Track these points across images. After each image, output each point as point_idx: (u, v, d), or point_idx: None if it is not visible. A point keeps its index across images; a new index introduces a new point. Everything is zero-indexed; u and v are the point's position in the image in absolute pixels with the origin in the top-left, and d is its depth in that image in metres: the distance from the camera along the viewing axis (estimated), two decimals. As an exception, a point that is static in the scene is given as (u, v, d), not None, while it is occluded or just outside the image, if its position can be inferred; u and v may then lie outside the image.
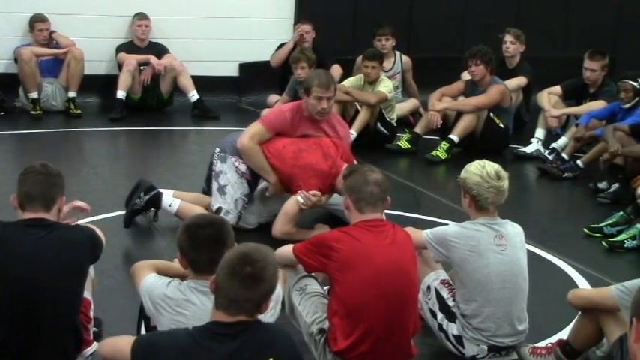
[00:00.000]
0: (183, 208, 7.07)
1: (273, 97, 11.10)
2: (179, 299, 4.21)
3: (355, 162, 7.13)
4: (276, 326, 3.84)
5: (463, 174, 5.15)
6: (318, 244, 4.87)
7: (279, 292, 4.42)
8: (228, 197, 7.14)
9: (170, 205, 7.15)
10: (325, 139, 7.16)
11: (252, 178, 7.22)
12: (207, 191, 7.30)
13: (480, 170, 5.09)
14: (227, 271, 3.52)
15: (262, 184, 7.38)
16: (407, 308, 4.83)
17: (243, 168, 7.14)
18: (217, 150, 7.27)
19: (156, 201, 7.16)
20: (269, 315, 4.24)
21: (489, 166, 5.12)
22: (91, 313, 4.76)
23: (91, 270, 4.78)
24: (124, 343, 3.69)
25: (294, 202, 6.99)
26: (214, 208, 7.12)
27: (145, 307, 4.39)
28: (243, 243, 3.74)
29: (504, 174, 5.14)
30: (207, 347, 3.51)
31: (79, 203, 5.21)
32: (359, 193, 4.87)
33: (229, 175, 7.15)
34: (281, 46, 11.64)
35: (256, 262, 3.52)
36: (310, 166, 6.99)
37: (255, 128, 7.16)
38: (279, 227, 7.05)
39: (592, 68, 9.87)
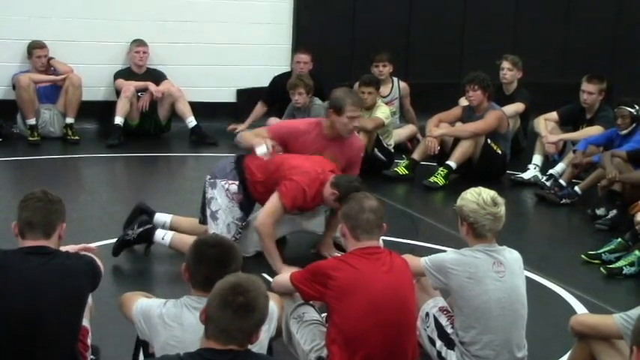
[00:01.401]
0: (177, 240, 7.03)
1: (273, 120, 11.09)
2: (175, 315, 4.24)
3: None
4: (266, 355, 3.84)
5: (459, 202, 5.15)
6: (315, 273, 4.89)
7: (274, 310, 4.42)
8: (220, 222, 7.05)
9: (163, 239, 7.08)
10: (320, 157, 7.10)
11: (246, 201, 7.13)
12: (203, 220, 7.24)
13: (476, 197, 5.08)
14: (219, 300, 3.53)
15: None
16: (405, 336, 4.83)
17: (233, 189, 7.05)
18: (208, 177, 7.21)
19: (148, 235, 7.10)
20: (262, 331, 4.25)
21: (485, 193, 5.11)
22: (89, 341, 4.75)
23: (89, 298, 4.77)
24: None
25: (276, 197, 6.83)
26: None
27: (139, 330, 4.40)
28: (233, 274, 3.75)
29: (501, 200, 5.13)
30: None
31: (87, 246, 5.18)
32: (355, 221, 4.89)
33: (220, 199, 7.08)
34: (278, 76, 11.63)
35: (248, 292, 3.54)
36: (295, 167, 6.87)
37: (274, 205, 6.88)
38: (260, 219, 6.86)
39: (589, 91, 9.89)
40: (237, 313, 3.51)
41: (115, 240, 7.13)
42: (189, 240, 6.91)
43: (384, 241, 6.99)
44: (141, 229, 7.09)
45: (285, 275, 5.08)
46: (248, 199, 7.15)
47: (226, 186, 7.08)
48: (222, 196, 7.08)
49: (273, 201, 6.85)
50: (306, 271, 4.96)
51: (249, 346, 3.64)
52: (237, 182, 7.06)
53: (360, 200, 4.97)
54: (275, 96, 11.42)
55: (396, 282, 4.83)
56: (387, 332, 4.74)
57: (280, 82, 11.37)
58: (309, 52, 11.42)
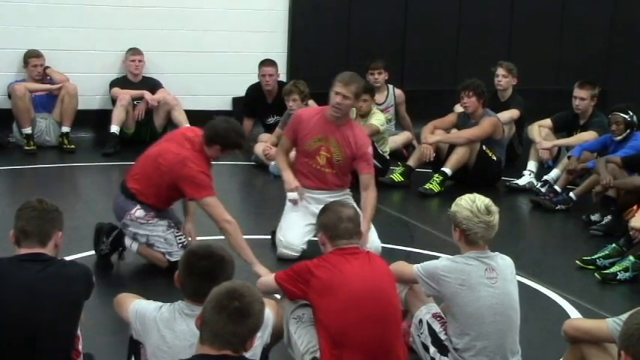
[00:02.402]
0: (144, 248, 7.04)
1: (263, 136, 11.13)
2: (169, 318, 4.27)
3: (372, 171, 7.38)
4: None
5: (453, 207, 5.17)
6: (298, 272, 5.01)
7: (269, 317, 4.45)
8: (159, 244, 6.98)
9: (131, 245, 7.10)
10: (179, 134, 7.11)
11: (158, 210, 7.01)
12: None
13: (470, 204, 5.10)
14: (214, 305, 3.56)
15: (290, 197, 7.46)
16: (390, 330, 4.93)
17: (139, 214, 6.94)
18: (120, 225, 7.07)
19: (120, 240, 7.10)
20: (257, 337, 4.28)
21: (480, 201, 5.12)
22: (80, 347, 4.75)
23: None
24: None
25: (201, 200, 6.76)
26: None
27: (134, 330, 4.43)
28: (230, 280, 3.78)
29: (495, 208, 5.14)
30: None
31: None
32: (334, 230, 5.04)
33: (140, 231, 6.97)
34: (250, 87, 11.65)
35: (244, 297, 3.57)
36: (174, 163, 6.76)
37: (208, 205, 6.79)
38: (219, 220, 6.76)
39: (581, 97, 9.95)
40: (232, 318, 3.54)
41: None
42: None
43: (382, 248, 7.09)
44: (111, 238, 7.10)
45: (269, 276, 5.18)
46: (158, 209, 7.05)
47: (133, 217, 6.96)
48: (137, 227, 6.98)
49: (205, 204, 6.75)
50: (290, 270, 5.08)
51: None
52: (137, 206, 6.96)
53: (338, 210, 5.10)
54: (252, 107, 11.51)
55: (376, 278, 4.96)
56: (371, 326, 4.84)
57: (253, 93, 11.54)
58: (275, 65, 11.48)
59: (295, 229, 7.41)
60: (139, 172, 7.02)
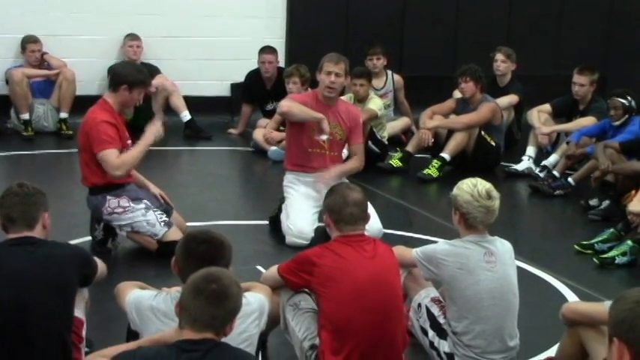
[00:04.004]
0: (131, 233, 7.04)
1: (262, 121, 11.13)
2: (165, 310, 4.25)
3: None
4: (242, 350, 3.84)
5: (455, 190, 5.15)
6: (300, 262, 4.97)
7: (265, 303, 4.45)
8: (142, 229, 6.99)
9: (120, 231, 7.10)
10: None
11: (131, 192, 7.07)
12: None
13: (471, 189, 5.08)
14: (191, 289, 3.59)
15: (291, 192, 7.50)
16: (393, 321, 4.88)
17: (113, 204, 6.97)
18: (104, 222, 7.08)
19: (111, 227, 7.11)
20: (253, 326, 4.28)
21: (481, 185, 5.11)
22: (84, 333, 4.73)
23: (85, 292, 4.79)
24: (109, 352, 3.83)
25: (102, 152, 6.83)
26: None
27: (131, 321, 4.42)
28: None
29: (496, 194, 5.12)
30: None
31: None
32: (339, 214, 4.96)
33: (122, 222, 6.98)
34: (250, 72, 11.65)
35: (220, 280, 3.59)
36: (86, 128, 6.91)
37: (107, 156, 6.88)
38: (113, 169, 6.86)
39: (581, 83, 9.93)
40: (209, 300, 3.55)
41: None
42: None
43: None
44: (102, 223, 7.09)
45: (272, 268, 5.14)
46: (130, 190, 7.11)
47: (111, 209, 6.98)
48: (118, 219, 6.99)
49: (100, 159, 6.85)
50: (291, 261, 5.03)
51: (230, 338, 3.67)
52: (107, 198, 6.97)
53: (344, 194, 5.02)
54: (251, 93, 11.53)
55: (380, 267, 4.90)
56: (374, 317, 4.80)
57: (252, 79, 11.57)
58: (275, 52, 11.48)
59: (305, 216, 7.41)
60: (82, 165, 7.06)
